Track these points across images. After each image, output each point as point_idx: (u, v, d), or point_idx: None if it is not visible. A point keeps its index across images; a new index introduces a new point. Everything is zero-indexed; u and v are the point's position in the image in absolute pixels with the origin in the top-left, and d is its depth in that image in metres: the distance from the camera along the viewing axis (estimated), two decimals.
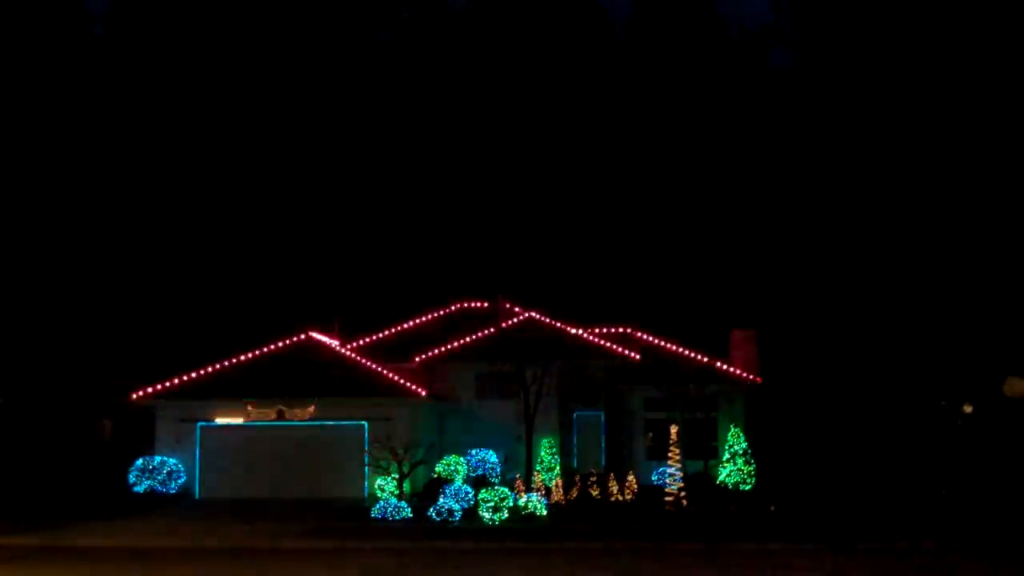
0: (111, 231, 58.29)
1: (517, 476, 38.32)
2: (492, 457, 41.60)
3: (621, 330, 48.05)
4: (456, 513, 33.85)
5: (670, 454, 37.27)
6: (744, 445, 41.39)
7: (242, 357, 42.11)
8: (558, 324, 45.47)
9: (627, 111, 63.50)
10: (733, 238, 58.81)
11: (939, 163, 55.06)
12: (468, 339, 44.67)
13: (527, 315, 46.04)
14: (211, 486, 39.84)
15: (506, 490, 34.66)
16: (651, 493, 39.19)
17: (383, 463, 37.04)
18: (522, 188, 61.64)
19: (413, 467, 37.32)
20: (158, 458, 39.48)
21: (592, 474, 40.85)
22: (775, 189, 59.14)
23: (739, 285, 56.33)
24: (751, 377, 44.40)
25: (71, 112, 59.98)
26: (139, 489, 38.68)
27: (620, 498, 39.21)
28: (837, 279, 54.13)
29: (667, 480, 37.67)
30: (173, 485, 39.09)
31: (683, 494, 36.85)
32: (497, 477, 40.69)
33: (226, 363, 41.77)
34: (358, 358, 42.66)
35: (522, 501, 35.28)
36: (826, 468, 40.03)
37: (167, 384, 40.66)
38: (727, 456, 41.46)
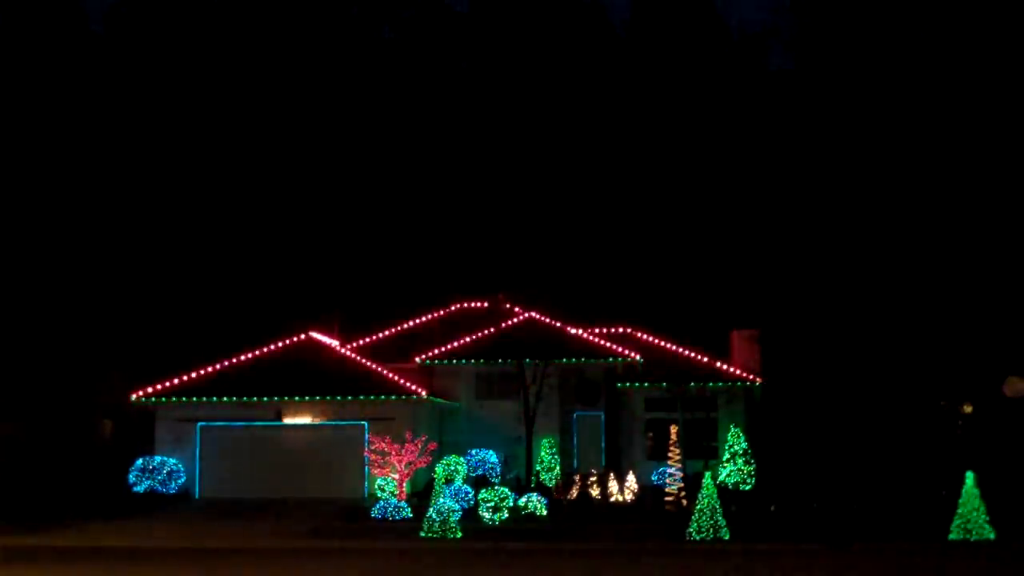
0: (111, 231, 58.25)
1: (517, 476, 38.33)
2: (492, 457, 41.61)
3: (621, 330, 48.05)
4: (456, 513, 33.85)
5: (670, 454, 37.28)
6: (744, 445, 41.38)
7: (242, 357, 42.12)
8: (558, 324, 45.48)
9: (627, 111, 63.47)
10: (733, 238, 58.75)
11: (939, 163, 55.01)
12: (468, 339, 44.70)
13: (527, 315, 46.07)
14: (211, 486, 39.84)
15: (506, 490, 34.67)
16: (651, 493, 39.20)
17: (383, 463, 37.06)
18: (522, 188, 61.61)
19: (413, 467, 37.34)
20: (158, 458, 39.49)
21: (592, 474, 40.86)
22: (775, 189, 59.09)
23: (739, 285, 56.26)
24: (751, 377, 44.40)
25: (71, 111, 59.93)
26: (139, 489, 38.67)
27: (620, 498, 39.23)
28: (837, 279, 54.04)
29: (667, 480, 37.68)
30: (173, 485, 39.08)
31: (683, 494, 36.83)
32: (497, 477, 40.70)
33: (226, 363, 41.78)
34: (358, 358, 42.67)
35: (522, 501, 35.29)
36: (826, 468, 40.00)
37: (167, 384, 40.66)
38: (727, 456, 41.45)
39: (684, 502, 36.69)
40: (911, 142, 56.29)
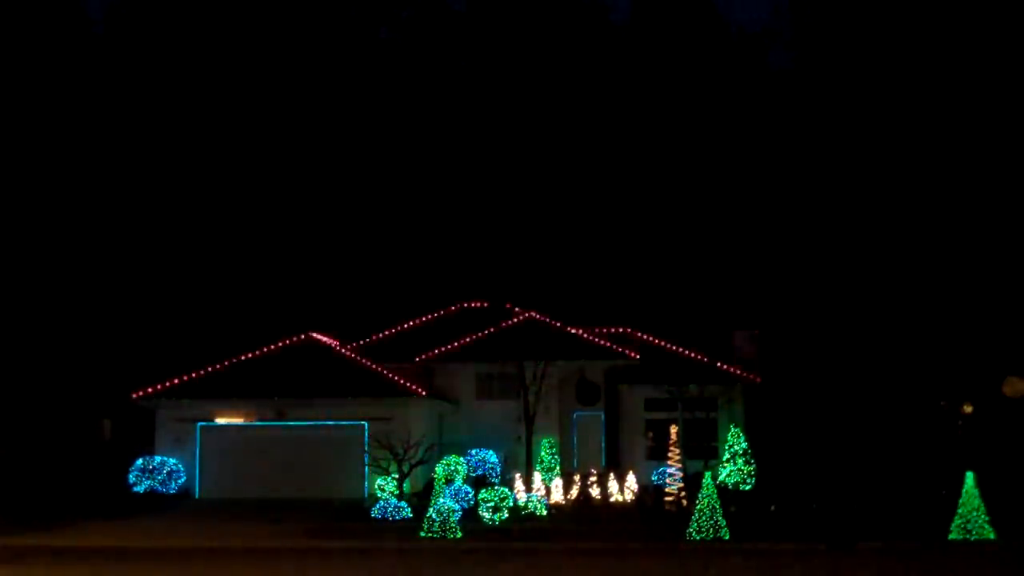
0: (112, 231, 58.26)
1: (517, 476, 38.33)
2: (492, 457, 41.60)
3: (621, 330, 48.04)
4: (456, 513, 33.84)
5: (670, 454, 37.27)
6: (744, 445, 41.35)
7: (242, 357, 42.11)
8: (558, 324, 45.48)
9: (627, 111, 63.46)
10: (733, 238, 58.78)
11: (939, 163, 55.05)
12: (468, 339, 44.68)
13: (527, 315, 46.07)
14: (211, 486, 39.83)
15: (506, 490, 34.66)
16: (651, 493, 39.20)
17: (383, 463, 37.05)
18: (522, 188, 61.59)
19: (413, 467, 37.32)
20: (158, 458, 39.47)
21: (592, 474, 40.85)
22: (775, 189, 59.13)
23: (739, 285, 56.30)
24: (751, 377, 44.39)
25: (71, 112, 59.92)
26: (139, 489, 38.66)
27: (620, 498, 39.23)
28: (837, 279, 54.11)
29: (667, 480, 37.67)
30: (173, 485, 39.07)
31: (683, 494, 36.82)
32: (497, 477, 40.69)
33: (226, 363, 41.77)
34: (358, 358, 42.66)
35: (522, 501, 35.28)
36: (826, 468, 40.02)
37: (167, 384, 40.65)
38: (727, 456, 41.41)
39: (684, 502, 36.67)
40: (911, 142, 56.32)
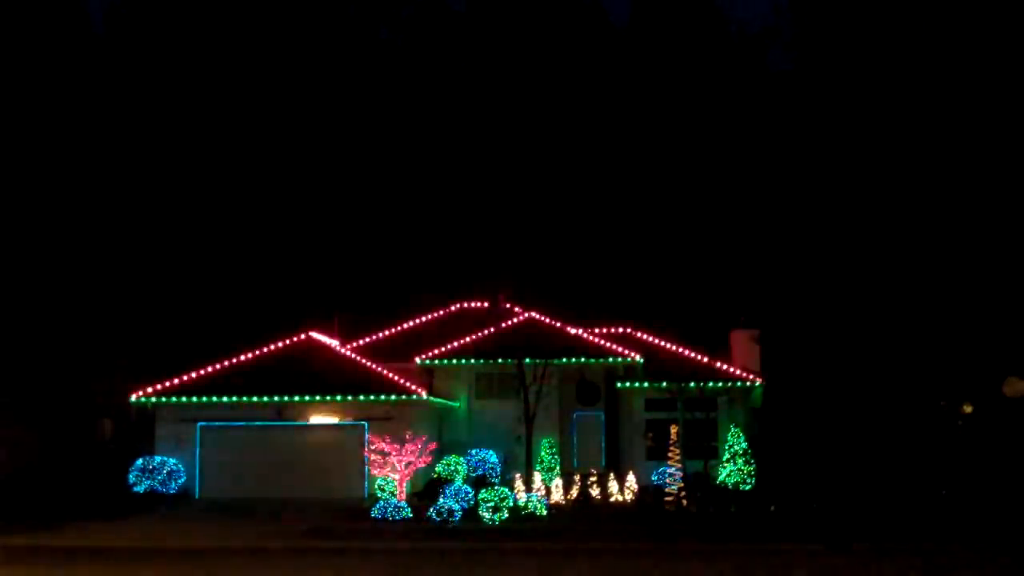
0: (111, 231, 58.24)
1: (517, 476, 38.33)
2: (492, 457, 41.62)
3: (621, 330, 48.07)
4: (456, 513, 33.86)
5: (670, 454, 37.29)
6: (744, 445, 41.36)
7: (242, 357, 42.13)
8: (558, 324, 45.51)
9: (626, 111, 63.47)
10: (733, 237, 58.78)
11: (939, 163, 55.01)
12: (468, 339, 44.72)
13: (527, 315, 46.10)
14: (211, 486, 39.87)
15: (506, 490, 34.65)
16: (651, 493, 39.22)
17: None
18: (522, 188, 61.61)
19: (413, 467, 37.34)
20: (158, 458, 39.49)
21: (592, 474, 40.87)
22: (775, 189, 59.11)
23: (740, 284, 56.27)
24: (751, 377, 44.40)
25: (71, 112, 59.91)
26: (139, 489, 38.68)
27: (620, 498, 39.27)
28: (838, 279, 54.06)
29: (667, 480, 37.67)
30: (173, 485, 39.09)
31: (683, 494, 36.84)
32: (497, 477, 40.70)
33: (226, 363, 41.79)
34: (358, 358, 42.68)
35: (522, 501, 35.28)
36: (826, 468, 40.02)
37: (167, 384, 40.67)
38: (727, 456, 41.43)
39: (684, 502, 36.70)
40: (911, 142, 56.29)
